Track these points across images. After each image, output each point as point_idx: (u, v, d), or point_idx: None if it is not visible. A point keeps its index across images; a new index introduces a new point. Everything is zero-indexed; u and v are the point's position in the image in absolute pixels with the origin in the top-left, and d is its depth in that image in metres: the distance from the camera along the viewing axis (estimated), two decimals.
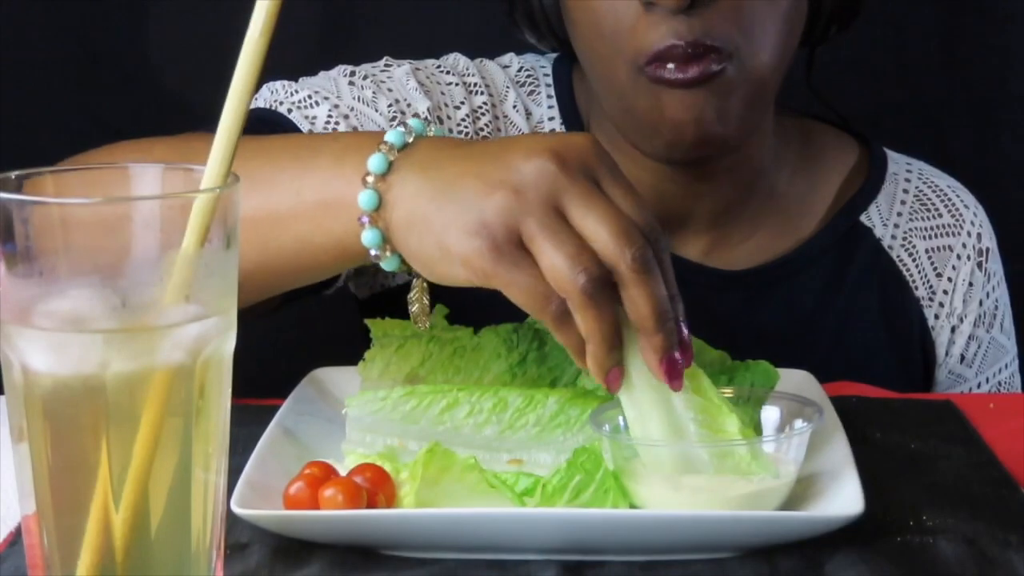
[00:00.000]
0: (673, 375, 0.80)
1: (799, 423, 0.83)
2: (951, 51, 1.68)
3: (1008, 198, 1.63)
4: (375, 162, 0.84)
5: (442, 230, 0.81)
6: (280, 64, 1.13)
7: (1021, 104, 1.69)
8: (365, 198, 0.83)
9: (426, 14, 1.63)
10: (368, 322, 0.95)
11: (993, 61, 1.68)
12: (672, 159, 1.10)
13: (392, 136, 0.85)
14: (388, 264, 0.85)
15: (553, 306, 0.79)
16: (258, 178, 0.88)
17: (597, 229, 0.78)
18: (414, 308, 0.91)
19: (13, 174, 0.63)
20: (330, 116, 1.12)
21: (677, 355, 0.80)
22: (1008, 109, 1.69)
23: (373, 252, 0.85)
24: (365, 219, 0.84)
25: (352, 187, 0.84)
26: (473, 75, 1.19)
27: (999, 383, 1.26)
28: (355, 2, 1.66)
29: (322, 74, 1.17)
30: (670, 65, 1.02)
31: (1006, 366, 1.27)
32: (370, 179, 0.84)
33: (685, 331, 0.81)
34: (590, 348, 0.80)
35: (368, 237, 0.84)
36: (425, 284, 0.90)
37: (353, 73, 1.16)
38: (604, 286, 0.79)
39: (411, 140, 0.85)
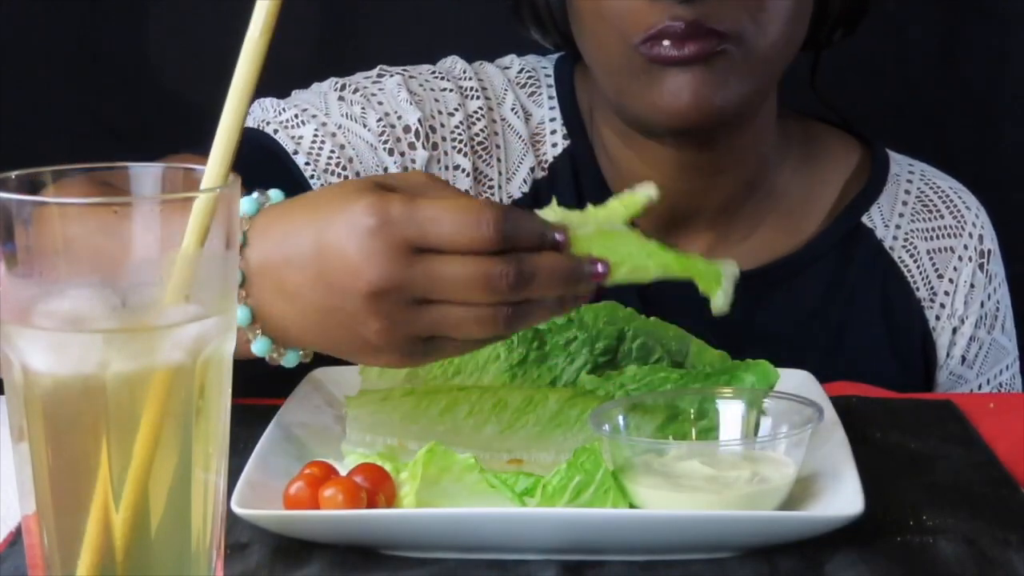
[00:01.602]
0: (602, 277, 0.79)
1: (799, 423, 0.83)
2: (951, 51, 1.68)
3: (1008, 198, 1.62)
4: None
5: (348, 355, 0.82)
6: (280, 64, 1.14)
7: (1021, 104, 1.69)
8: (241, 315, 0.82)
9: (427, 14, 1.63)
10: None
11: (993, 61, 1.68)
12: (673, 130, 1.10)
13: (245, 204, 0.83)
14: (288, 361, 0.85)
15: (503, 326, 0.78)
16: None
17: (466, 291, 0.76)
18: None
19: (13, 174, 0.63)
20: (316, 134, 1.12)
21: (600, 269, 0.79)
22: (1008, 109, 1.69)
23: (267, 357, 0.84)
24: (248, 334, 0.83)
25: None
26: (470, 79, 1.19)
27: (1000, 384, 1.26)
28: (355, 2, 1.66)
29: (315, 87, 1.18)
30: (666, 42, 1.03)
31: (1007, 367, 1.27)
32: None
33: (594, 261, 0.79)
34: (568, 298, 0.80)
35: (259, 347, 0.83)
36: None
37: (344, 87, 1.16)
38: (520, 273, 0.77)
39: (264, 206, 0.83)
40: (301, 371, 0.98)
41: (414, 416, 0.86)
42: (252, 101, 0.64)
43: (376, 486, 0.79)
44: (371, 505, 0.78)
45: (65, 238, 0.61)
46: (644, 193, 0.83)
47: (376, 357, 0.80)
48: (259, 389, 0.96)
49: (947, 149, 1.60)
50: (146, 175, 0.66)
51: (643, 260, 0.81)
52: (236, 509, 0.76)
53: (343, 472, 0.81)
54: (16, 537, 0.79)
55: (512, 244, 0.77)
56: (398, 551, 0.77)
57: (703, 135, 1.11)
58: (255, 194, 0.84)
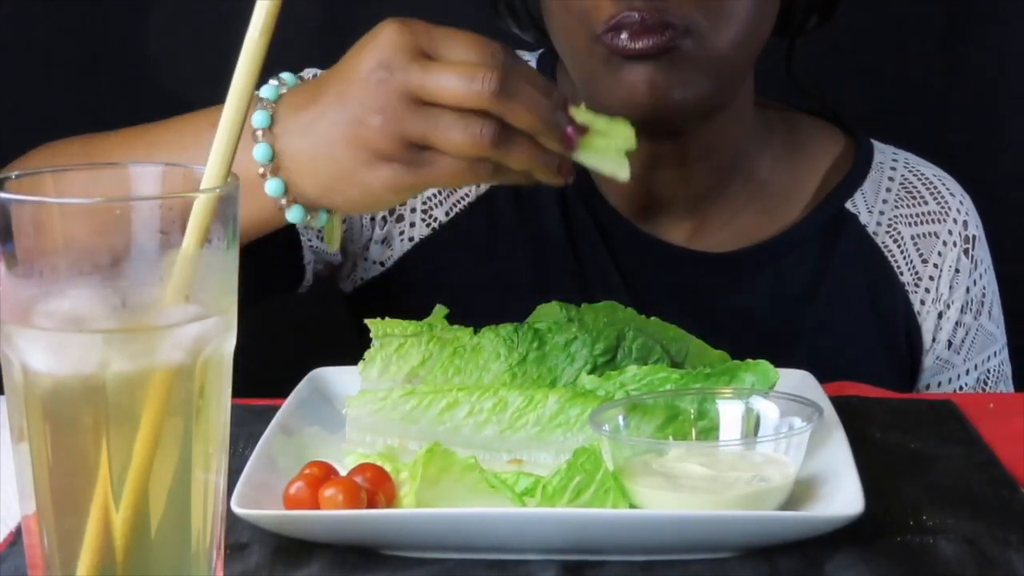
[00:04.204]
0: (570, 145, 0.88)
1: (799, 423, 0.83)
2: (952, 51, 1.68)
3: (1008, 198, 1.63)
4: (257, 119, 0.89)
5: (352, 174, 0.88)
6: (280, 64, 1.14)
7: (1021, 104, 1.69)
8: (259, 151, 0.89)
9: (423, 14, 1.63)
10: (368, 322, 0.95)
11: (993, 61, 1.68)
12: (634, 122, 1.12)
13: (266, 91, 0.91)
14: (292, 215, 0.91)
15: (484, 173, 0.86)
16: (154, 158, 0.95)
17: (451, 95, 0.84)
18: (330, 231, 0.96)
19: (13, 174, 0.63)
20: None
21: (569, 131, 0.88)
22: (1008, 109, 1.69)
23: (279, 202, 0.90)
24: (263, 170, 0.89)
25: (245, 145, 0.87)
26: None
27: (988, 371, 1.27)
28: (355, 2, 1.66)
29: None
30: (624, 34, 1.05)
31: (995, 354, 1.28)
32: (259, 134, 0.89)
33: (567, 111, 0.88)
34: (532, 170, 0.87)
35: (271, 187, 0.89)
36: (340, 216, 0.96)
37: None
38: (499, 126, 0.85)
39: (285, 91, 0.91)
40: (301, 371, 0.98)
41: (414, 416, 0.86)
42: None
43: (376, 486, 0.79)
44: (371, 505, 0.78)
45: (65, 238, 0.61)
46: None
47: (377, 167, 0.87)
48: (259, 389, 0.97)
49: (947, 149, 1.60)
50: (146, 175, 0.66)
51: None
52: (236, 509, 0.76)
53: (343, 472, 0.81)
54: (16, 537, 0.79)
55: (503, 64, 0.86)
56: (398, 551, 0.77)
57: (669, 127, 1.14)
58: (272, 81, 0.92)
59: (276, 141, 0.89)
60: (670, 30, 1.05)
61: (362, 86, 0.86)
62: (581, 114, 0.89)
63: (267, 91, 0.91)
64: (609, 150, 0.89)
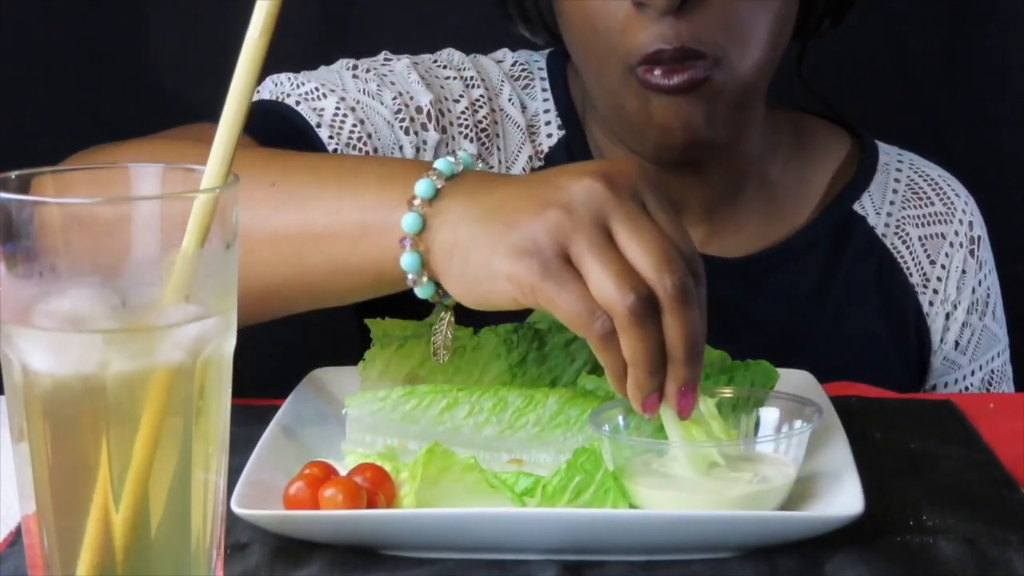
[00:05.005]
0: (686, 406, 0.80)
1: (799, 423, 0.83)
2: (951, 51, 1.68)
3: (1008, 198, 1.63)
4: (423, 187, 0.83)
5: (490, 250, 0.80)
6: (280, 64, 1.14)
7: (1021, 104, 1.69)
8: (410, 220, 0.83)
9: (425, 14, 1.63)
10: (368, 322, 0.95)
11: (993, 61, 1.68)
12: (661, 160, 1.12)
13: (442, 164, 0.84)
14: (423, 291, 0.85)
15: (598, 324, 0.78)
16: (299, 194, 0.88)
17: (642, 252, 0.78)
18: (436, 340, 0.90)
19: (13, 174, 0.63)
20: (338, 108, 1.13)
21: (689, 391, 0.80)
22: (1008, 109, 1.69)
23: (410, 276, 0.84)
24: (407, 242, 0.83)
25: (395, 211, 0.84)
26: (468, 69, 1.20)
27: (992, 371, 1.28)
28: (354, 2, 1.66)
29: (323, 68, 1.18)
30: (657, 71, 1.04)
31: (998, 354, 1.29)
32: (416, 202, 0.83)
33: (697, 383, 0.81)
34: (632, 371, 0.79)
35: (407, 260, 0.83)
36: (452, 318, 0.89)
37: (355, 67, 1.17)
38: (651, 308, 0.78)
39: (459, 171, 0.85)
40: (301, 371, 0.99)
41: (414, 416, 0.86)
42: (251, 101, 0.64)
43: (376, 486, 0.79)
44: (371, 505, 0.78)
45: (65, 238, 0.61)
46: None
47: (514, 256, 0.79)
48: (259, 389, 0.97)
49: (947, 149, 1.60)
50: (146, 175, 0.66)
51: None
52: (236, 509, 0.76)
53: (343, 472, 0.81)
54: (16, 537, 0.79)
55: (693, 273, 0.80)
56: (398, 551, 0.77)
57: (695, 159, 1.14)
58: (449, 157, 0.86)
59: (433, 218, 0.83)
60: (702, 60, 1.04)
61: (574, 177, 0.80)
62: (708, 405, 0.82)
63: (442, 164, 0.85)
64: (697, 446, 0.81)
